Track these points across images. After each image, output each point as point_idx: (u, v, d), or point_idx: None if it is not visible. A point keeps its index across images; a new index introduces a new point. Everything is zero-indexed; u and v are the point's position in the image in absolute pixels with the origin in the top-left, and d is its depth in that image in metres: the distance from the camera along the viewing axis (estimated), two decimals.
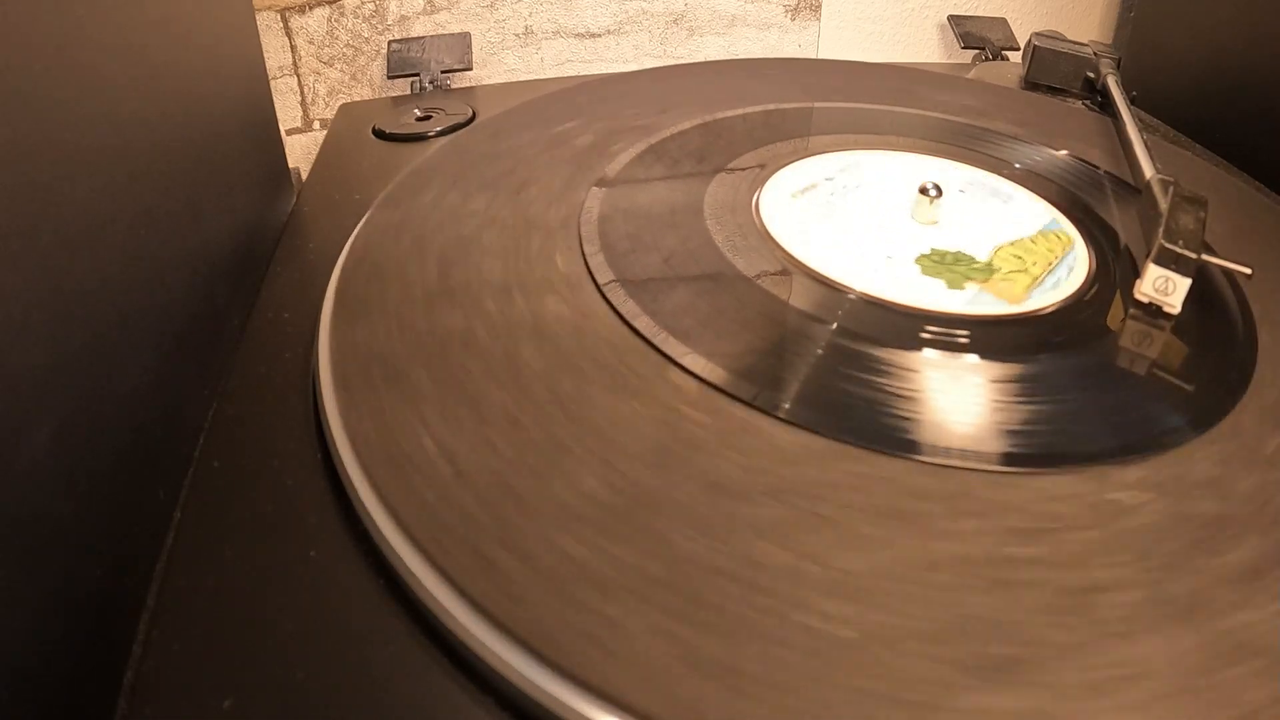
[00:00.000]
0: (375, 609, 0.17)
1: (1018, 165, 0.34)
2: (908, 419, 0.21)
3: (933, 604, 0.17)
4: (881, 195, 0.31)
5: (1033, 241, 0.29)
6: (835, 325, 0.24)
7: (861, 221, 0.29)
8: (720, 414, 0.21)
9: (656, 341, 0.23)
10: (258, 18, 0.39)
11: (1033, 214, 0.31)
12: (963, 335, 0.24)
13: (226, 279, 0.29)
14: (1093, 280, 0.27)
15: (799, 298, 0.25)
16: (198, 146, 0.27)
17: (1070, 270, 0.27)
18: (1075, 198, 0.32)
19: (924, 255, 0.28)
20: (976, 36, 0.53)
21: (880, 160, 0.34)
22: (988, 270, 0.27)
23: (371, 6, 0.48)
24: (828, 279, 0.26)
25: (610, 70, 0.53)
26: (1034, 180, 0.33)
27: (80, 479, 0.19)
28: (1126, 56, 0.46)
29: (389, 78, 0.46)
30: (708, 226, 0.28)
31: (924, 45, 0.58)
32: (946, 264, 0.27)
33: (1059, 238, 0.29)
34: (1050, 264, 0.27)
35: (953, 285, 0.26)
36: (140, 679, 0.16)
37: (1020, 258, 0.28)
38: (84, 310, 0.19)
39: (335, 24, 0.48)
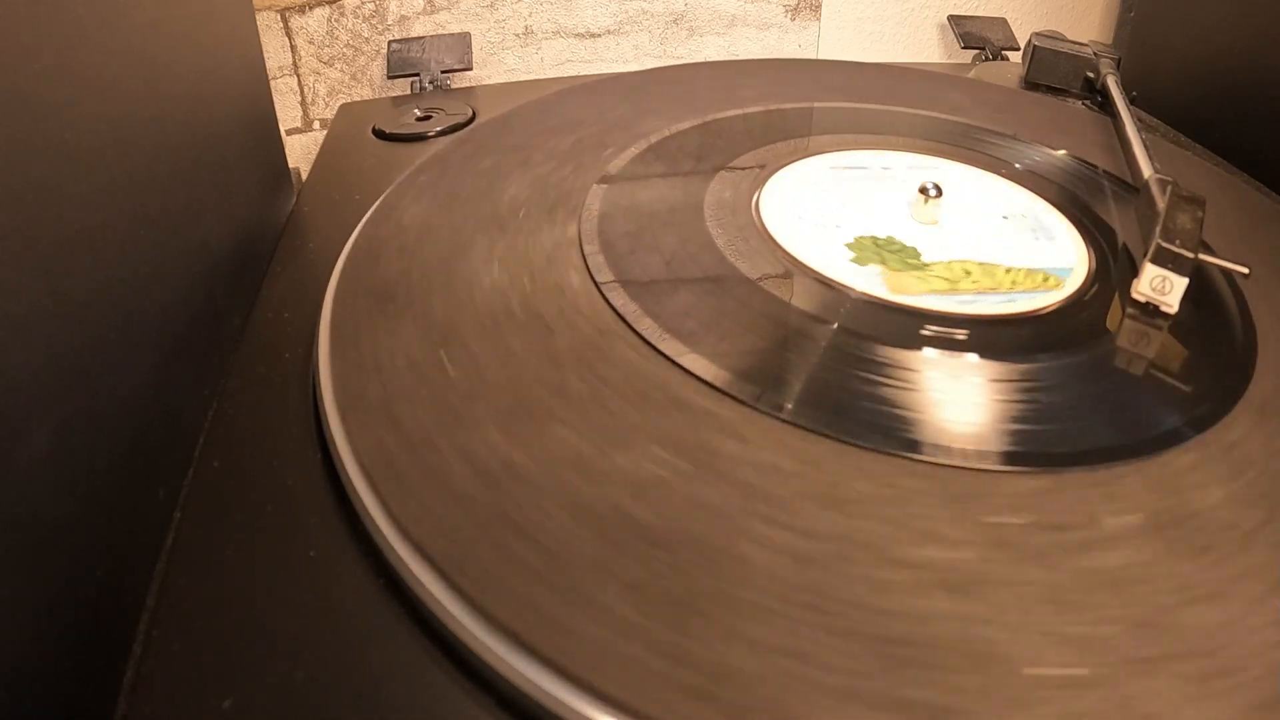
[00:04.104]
0: (375, 609, 0.17)
1: (1018, 165, 0.34)
2: (907, 418, 0.21)
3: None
4: (907, 191, 0.31)
5: (1006, 271, 0.27)
6: (836, 325, 0.24)
7: (860, 204, 0.30)
8: (720, 412, 0.21)
9: (659, 344, 0.23)
10: (258, 18, 0.39)
11: (1054, 255, 0.28)
12: (961, 334, 0.24)
13: (226, 279, 0.29)
14: (1092, 280, 0.27)
15: (800, 298, 0.25)
16: (198, 146, 0.27)
17: (1013, 301, 0.25)
18: (1074, 197, 0.32)
19: (868, 235, 0.28)
20: (976, 36, 0.53)
21: (949, 167, 0.34)
22: (918, 267, 0.27)
23: (371, 6, 0.48)
24: (825, 278, 0.26)
25: (610, 70, 0.53)
26: (1034, 180, 0.33)
27: (80, 479, 0.19)
28: (1126, 56, 0.46)
29: (389, 78, 0.46)
30: (708, 227, 0.28)
31: (924, 45, 0.58)
32: (876, 247, 0.27)
33: (1045, 279, 0.27)
34: (993, 290, 0.26)
35: (858, 261, 0.27)
36: (140, 679, 0.16)
37: (968, 273, 0.27)
38: (84, 310, 0.19)
39: (335, 24, 0.48)
